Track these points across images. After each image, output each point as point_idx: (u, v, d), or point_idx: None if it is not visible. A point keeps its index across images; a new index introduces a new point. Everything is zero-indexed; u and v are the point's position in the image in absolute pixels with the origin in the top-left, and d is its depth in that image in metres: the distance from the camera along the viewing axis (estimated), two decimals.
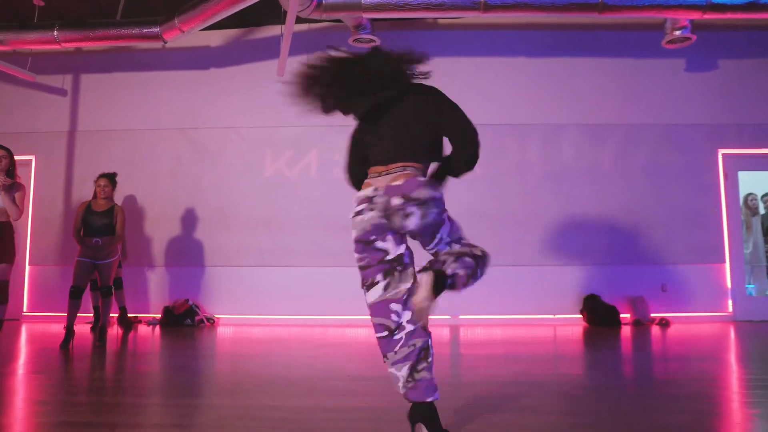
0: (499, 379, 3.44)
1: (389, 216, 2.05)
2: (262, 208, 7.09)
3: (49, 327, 6.43)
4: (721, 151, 7.07)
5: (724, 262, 6.94)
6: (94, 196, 5.35)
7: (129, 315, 6.51)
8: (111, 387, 3.60)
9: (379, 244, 2.07)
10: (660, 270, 6.90)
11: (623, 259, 6.93)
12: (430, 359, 2.04)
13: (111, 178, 5.33)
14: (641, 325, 6.58)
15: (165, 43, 6.35)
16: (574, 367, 4.34)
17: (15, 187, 4.48)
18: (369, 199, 2.08)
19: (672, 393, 3.19)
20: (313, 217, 7.01)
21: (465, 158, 2.18)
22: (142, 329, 6.42)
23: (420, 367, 2.01)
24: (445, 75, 6.86)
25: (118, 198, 6.15)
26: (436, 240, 2.12)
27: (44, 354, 4.67)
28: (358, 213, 2.10)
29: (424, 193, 2.04)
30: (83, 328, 6.00)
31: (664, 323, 6.65)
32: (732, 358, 4.61)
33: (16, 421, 2.60)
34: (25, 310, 7.19)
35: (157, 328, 6.54)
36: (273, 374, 3.82)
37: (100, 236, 5.15)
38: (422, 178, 2.11)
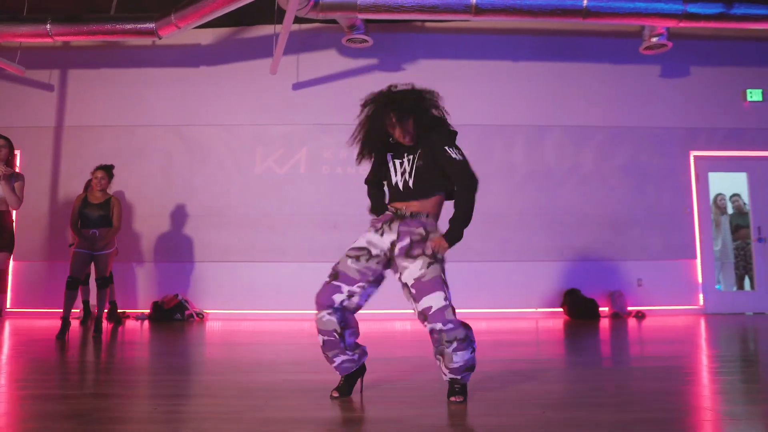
0: (488, 360, 3.62)
1: None
2: (252, 205, 7.17)
3: (35, 322, 6.38)
4: (693, 153, 7.45)
5: (696, 258, 7.30)
6: (86, 188, 5.37)
7: (118, 311, 6.50)
8: (104, 367, 3.66)
9: None
10: (636, 266, 7.22)
11: (602, 255, 7.23)
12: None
13: (108, 170, 5.35)
14: (619, 317, 6.86)
15: (159, 38, 6.40)
16: (558, 349, 4.56)
17: (14, 177, 4.50)
18: None
19: (649, 366, 3.44)
20: (303, 214, 7.12)
21: None
22: (131, 324, 6.41)
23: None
24: (433, 76, 7.14)
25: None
26: None
27: (35, 344, 4.67)
28: None
29: None
30: (73, 323, 5.97)
31: (641, 316, 6.96)
32: (702, 341, 4.90)
33: (9, 396, 2.67)
34: (8, 306, 7.11)
35: (146, 322, 6.55)
36: (274, 357, 3.93)
37: (97, 228, 5.17)
38: None
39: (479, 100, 7.29)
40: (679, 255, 7.29)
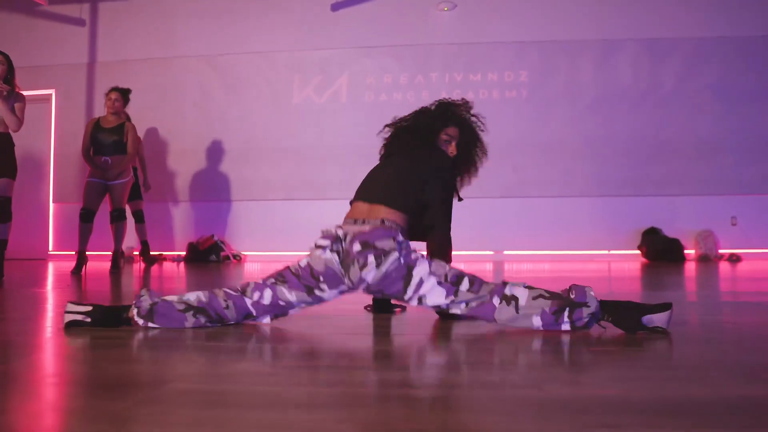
0: None
1: (347, 266, 1.88)
2: (290, 139, 6.64)
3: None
4: None
5: None
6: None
7: (153, 253, 6.19)
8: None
9: (322, 286, 1.93)
10: (730, 201, 6.22)
11: (688, 189, 6.24)
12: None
13: (123, 92, 4.92)
14: (708, 260, 5.92)
15: None
16: (634, 286, 3.78)
17: (14, 97, 4.12)
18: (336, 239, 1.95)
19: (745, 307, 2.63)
20: (344, 147, 6.52)
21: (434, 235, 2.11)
22: (167, 265, 6.10)
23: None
24: None
25: (141, 129, 5.79)
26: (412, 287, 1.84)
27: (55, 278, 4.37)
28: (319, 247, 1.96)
29: (387, 244, 1.84)
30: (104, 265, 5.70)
31: (735, 259, 5.97)
32: None
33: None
34: (51, 249, 6.99)
35: (182, 264, 6.22)
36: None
37: (110, 155, 4.77)
38: (391, 228, 1.89)
39: (539, 14, 6.36)
40: None
